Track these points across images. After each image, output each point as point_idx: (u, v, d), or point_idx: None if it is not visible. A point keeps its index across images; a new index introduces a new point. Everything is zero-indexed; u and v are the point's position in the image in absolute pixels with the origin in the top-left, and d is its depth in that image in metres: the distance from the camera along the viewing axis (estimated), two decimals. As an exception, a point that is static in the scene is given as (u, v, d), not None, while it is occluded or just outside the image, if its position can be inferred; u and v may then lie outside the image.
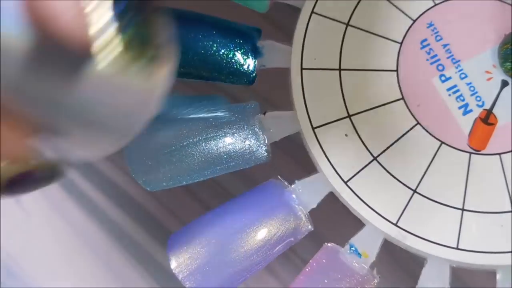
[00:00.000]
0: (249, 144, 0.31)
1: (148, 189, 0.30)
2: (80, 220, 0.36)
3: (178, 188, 0.30)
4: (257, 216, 0.30)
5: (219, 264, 0.29)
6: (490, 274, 0.29)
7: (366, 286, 0.29)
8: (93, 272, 0.35)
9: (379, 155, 0.30)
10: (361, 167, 0.30)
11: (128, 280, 0.34)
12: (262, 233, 0.29)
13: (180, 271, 0.29)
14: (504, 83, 0.30)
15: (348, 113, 0.31)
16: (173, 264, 0.29)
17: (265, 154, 0.31)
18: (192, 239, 0.30)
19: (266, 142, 0.30)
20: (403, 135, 0.30)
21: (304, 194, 0.30)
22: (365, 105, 0.31)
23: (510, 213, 0.29)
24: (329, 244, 0.29)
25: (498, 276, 0.29)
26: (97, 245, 0.35)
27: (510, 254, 0.29)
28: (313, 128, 0.31)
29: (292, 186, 0.30)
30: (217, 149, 0.30)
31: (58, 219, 0.36)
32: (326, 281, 0.29)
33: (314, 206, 0.30)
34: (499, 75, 0.30)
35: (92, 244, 0.35)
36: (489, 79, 0.31)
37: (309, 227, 0.30)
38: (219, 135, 0.30)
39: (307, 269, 0.29)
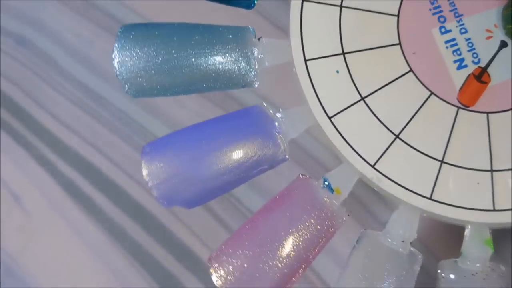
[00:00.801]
0: (238, 66, 0.30)
1: (131, 94, 0.30)
2: (80, 220, 0.36)
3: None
4: (236, 137, 0.29)
5: (191, 178, 0.29)
6: (455, 244, 0.29)
7: (333, 222, 0.28)
8: (93, 272, 0.34)
9: (367, 96, 0.30)
10: (347, 105, 0.30)
11: (128, 280, 0.34)
12: (237, 154, 0.29)
13: (151, 179, 0.28)
14: (503, 44, 0.30)
15: (343, 50, 0.30)
16: (144, 172, 0.28)
17: (254, 79, 0.30)
18: (167, 150, 0.29)
19: (257, 67, 0.30)
20: (394, 80, 0.30)
21: (287, 124, 0.30)
22: (361, 45, 0.30)
23: (488, 172, 0.29)
24: (303, 176, 0.29)
25: (466, 232, 0.29)
26: (97, 245, 0.35)
27: (482, 212, 0.28)
28: (306, 60, 0.30)
29: (276, 114, 0.30)
30: (206, 65, 0.30)
31: (58, 219, 0.36)
32: (294, 210, 0.28)
33: (294, 136, 0.30)
34: (499, 36, 0.30)
35: (92, 244, 0.35)
36: (488, 37, 0.30)
37: (286, 156, 0.29)
38: (210, 52, 0.30)
39: (277, 197, 0.29)
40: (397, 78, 0.30)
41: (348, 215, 0.29)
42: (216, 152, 0.29)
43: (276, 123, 0.29)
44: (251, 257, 0.28)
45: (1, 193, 0.36)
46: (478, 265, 0.28)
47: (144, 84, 0.30)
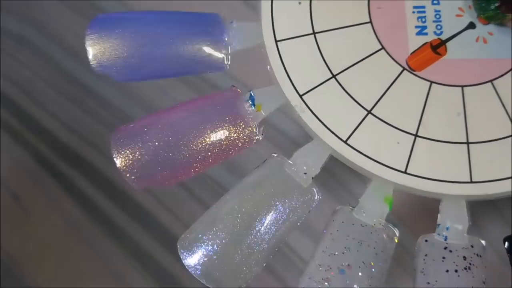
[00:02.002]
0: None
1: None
2: (80, 220, 0.36)
3: (177, 187, 0.30)
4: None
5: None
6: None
7: (245, 136, 0.29)
8: (93, 272, 0.34)
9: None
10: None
11: (128, 280, 0.34)
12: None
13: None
14: (471, 25, 0.30)
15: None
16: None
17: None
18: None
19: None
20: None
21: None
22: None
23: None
24: (234, 87, 0.29)
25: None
26: (97, 245, 0.35)
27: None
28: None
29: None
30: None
31: (58, 219, 0.36)
32: (210, 110, 0.29)
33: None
34: (469, 17, 0.30)
35: (92, 244, 0.35)
36: (458, 15, 0.30)
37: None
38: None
39: (202, 97, 0.29)
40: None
41: (262, 135, 0.29)
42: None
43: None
44: (152, 142, 0.28)
45: (1, 193, 0.36)
46: (374, 220, 0.28)
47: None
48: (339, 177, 0.32)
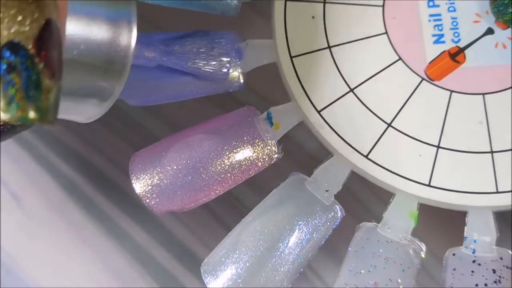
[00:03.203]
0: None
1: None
2: (80, 220, 0.36)
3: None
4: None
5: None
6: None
7: (264, 155, 0.28)
8: (93, 272, 0.34)
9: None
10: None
11: (128, 280, 0.34)
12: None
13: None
14: (489, 31, 0.29)
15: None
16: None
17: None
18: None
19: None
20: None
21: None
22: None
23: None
24: (250, 106, 0.29)
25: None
26: (97, 244, 0.35)
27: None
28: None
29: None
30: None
31: (58, 219, 0.36)
32: (228, 132, 0.28)
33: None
34: (487, 22, 0.30)
35: (92, 244, 0.35)
36: (476, 21, 0.30)
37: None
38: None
39: (219, 117, 0.29)
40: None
41: (282, 153, 0.28)
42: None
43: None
44: (171, 167, 0.28)
45: (1, 193, 0.36)
46: (400, 235, 0.27)
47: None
48: (357, 194, 0.32)
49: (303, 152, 0.31)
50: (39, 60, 0.17)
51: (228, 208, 0.32)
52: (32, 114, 0.17)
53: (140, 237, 0.34)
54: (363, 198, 0.32)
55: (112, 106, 0.30)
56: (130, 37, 0.23)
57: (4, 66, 0.16)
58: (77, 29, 0.21)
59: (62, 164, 0.36)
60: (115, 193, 0.35)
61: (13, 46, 0.17)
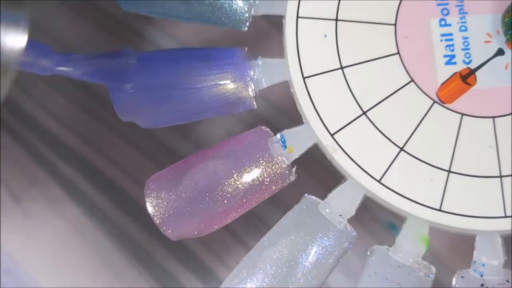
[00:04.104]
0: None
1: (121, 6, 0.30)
2: (80, 220, 0.36)
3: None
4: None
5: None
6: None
7: (278, 178, 0.29)
8: (93, 272, 0.35)
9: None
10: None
11: (128, 280, 0.34)
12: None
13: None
14: (500, 51, 0.30)
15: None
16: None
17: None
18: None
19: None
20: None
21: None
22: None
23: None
24: (263, 127, 0.30)
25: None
26: (97, 245, 0.35)
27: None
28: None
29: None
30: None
31: (58, 219, 0.36)
32: (241, 154, 0.29)
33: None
34: (497, 43, 0.30)
35: (92, 244, 0.35)
36: (487, 42, 0.30)
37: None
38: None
39: (230, 140, 0.29)
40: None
41: (295, 175, 0.29)
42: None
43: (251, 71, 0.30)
44: (186, 193, 0.28)
45: (1, 193, 0.36)
46: (410, 260, 0.28)
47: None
48: (371, 211, 0.33)
49: (321, 167, 0.32)
50: None
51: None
52: None
53: (140, 237, 0.34)
54: (377, 214, 0.32)
55: (111, 105, 0.30)
56: (17, 40, 0.23)
57: None
58: None
59: (62, 164, 0.36)
60: (115, 193, 0.35)
61: None
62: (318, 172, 0.32)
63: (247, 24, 0.30)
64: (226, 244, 0.30)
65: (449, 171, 0.29)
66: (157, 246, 0.34)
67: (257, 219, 0.30)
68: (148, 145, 0.35)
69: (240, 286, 0.28)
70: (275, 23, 0.31)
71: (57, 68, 0.28)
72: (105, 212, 0.35)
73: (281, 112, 0.32)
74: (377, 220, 0.33)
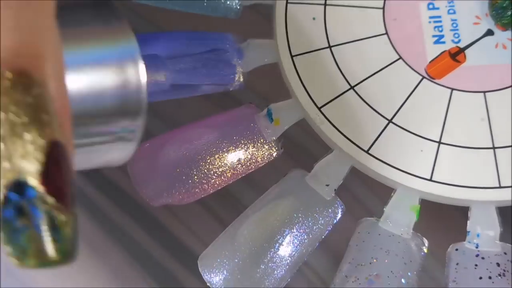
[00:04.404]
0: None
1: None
2: (80, 220, 0.35)
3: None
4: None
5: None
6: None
7: (264, 151, 0.28)
8: (93, 272, 0.34)
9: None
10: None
11: (128, 280, 0.34)
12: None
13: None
14: (489, 32, 0.30)
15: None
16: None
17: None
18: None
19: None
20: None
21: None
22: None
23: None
24: (250, 104, 0.29)
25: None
26: (97, 245, 0.35)
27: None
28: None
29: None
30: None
31: None
32: (229, 127, 0.28)
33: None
34: (487, 24, 0.30)
35: (92, 244, 0.35)
36: (476, 23, 0.30)
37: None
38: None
39: (220, 114, 0.29)
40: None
41: (282, 149, 0.28)
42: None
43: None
44: (169, 158, 0.28)
45: (1, 193, 0.35)
46: (401, 230, 0.27)
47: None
48: (357, 194, 0.32)
49: (303, 152, 0.31)
50: (48, 194, 0.15)
51: (230, 208, 0.31)
52: (53, 258, 0.15)
53: (140, 236, 0.33)
54: (364, 199, 0.31)
55: None
56: (138, 75, 0.20)
57: (11, 212, 0.15)
58: (79, 84, 0.19)
59: None
60: (115, 193, 0.35)
61: (18, 185, 0.15)
62: (303, 153, 0.32)
63: (238, 12, 0.31)
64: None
65: (439, 142, 0.28)
66: (157, 246, 0.33)
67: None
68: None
69: (221, 252, 0.27)
70: (265, 15, 0.32)
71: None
72: (105, 212, 0.35)
73: (270, 95, 0.32)
74: (366, 208, 0.32)
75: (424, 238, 0.27)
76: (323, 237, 0.27)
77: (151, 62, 0.27)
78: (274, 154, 0.28)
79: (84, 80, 0.19)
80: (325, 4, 0.31)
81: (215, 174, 0.28)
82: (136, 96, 0.20)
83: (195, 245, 0.32)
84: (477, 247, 0.26)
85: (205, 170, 0.27)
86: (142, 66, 0.20)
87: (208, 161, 0.28)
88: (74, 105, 0.18)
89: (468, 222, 0.27)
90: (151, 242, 0.33)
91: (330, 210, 0.27)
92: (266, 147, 0.28)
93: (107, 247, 0.33)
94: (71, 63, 0.18)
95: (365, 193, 0.31)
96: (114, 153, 0.21)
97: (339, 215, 0.27)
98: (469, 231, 0.27)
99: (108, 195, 0.35)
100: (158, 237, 0.33)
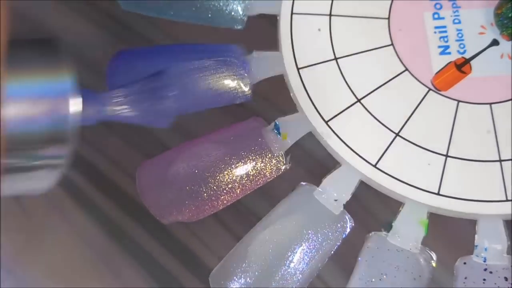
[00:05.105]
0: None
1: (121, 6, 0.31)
2: (80, 220, 0.35)
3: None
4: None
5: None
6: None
7: (272, 165, 0.28)
8: (93, 272, 0.34)
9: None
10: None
11: (128, 280, 0.34)
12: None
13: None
14: (495, 42, 0.30)
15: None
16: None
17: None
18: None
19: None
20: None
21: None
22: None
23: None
24: (257, 117, 0.29)
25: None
26: (97, 245, 0.35)
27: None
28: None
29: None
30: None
31: (58, 219, 0.36)
32: (236, 142, 0.29)
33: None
34: (492, 34, 0.30)
35: (92, 244, 0.35)
36: (481, 33, 0.30)
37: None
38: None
39: (226, 128, 0.29)
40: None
41: (290, 163, 0.28)
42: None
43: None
44: (178, 176, 0.28)
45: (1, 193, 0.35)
46: (410, 244, 0.27)
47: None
48: (366, 204, 0.32)
49: (312, 159, 0.31)
50: None
51: (229, 208, 0.32)
52: None
53: (140, 237, 0.33)
54: (372, 208, 0.31)
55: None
56: (67, 108, 0.23)
57: None
58: (15, 111, 0.22)
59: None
60: (115, 193, 0.35)
61: None
62: (311, 163, 0.32)
63: (243, 23, 0.31)
64: (226, 244, 0.29)
65: (446, 156, 0.28)
66: (157, 246, 0.34)
67: (258, 219, 0.30)
68: (148, 145, 0.34)
69: (232, 269, 0.27)
70: (270, 21, 0.32)
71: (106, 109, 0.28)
72: (105, 212, 0.35)
73: (276, 107, 0.32)
74: (374, 217, 0.32)
75: (432, 252, 0.27)
76: (332, 252, 0.27)
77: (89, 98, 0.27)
78: (282, 168, 0.28)
79: (20, 108, 0.22)
80: (330, 15, 0.31)
81: (224, 191, 0.28)
82: (63, 126, 0.23)
83: (196, 245, 0.32)
84: (485, 261, 0.27)
85: (215, 187, 0.28)
86: (72, 101, 0.23)
87: (218, 178, 0.28)
88: (9, 129, 0.21)
89: (476, 236, 0.27)
90: (152, 242, 0.33)
91: (339, 225, 0.27)
92: (274, 161, 0.28)
93: (107, 247, 0.34)
94: (11, 93, 0.22)
95: (376, 204, 0.31)
96: (41, 179, 0.25)
97: (348, 230, 0.27)
98: (476, 245, 0.27)
99: (108, 195, 0.35)
100: (159, 237, 0.34)
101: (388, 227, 0.28)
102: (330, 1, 0.31)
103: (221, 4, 0.31)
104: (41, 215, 0.35)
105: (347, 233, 0.28)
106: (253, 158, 0.28)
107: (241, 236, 0.29)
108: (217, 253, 0.31)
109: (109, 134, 0.35)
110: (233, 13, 0.31)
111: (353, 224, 0.28)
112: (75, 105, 0.24)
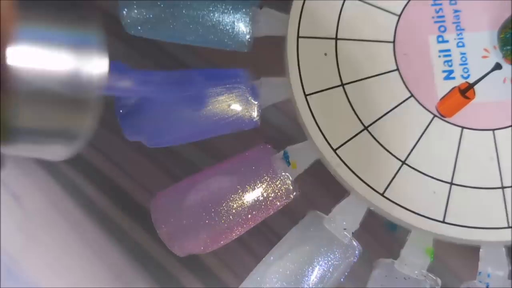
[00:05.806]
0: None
1: (127, 30, 0.30)
2: (80, 220, 0.36)
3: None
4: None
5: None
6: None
7: (282, 194, 0.29)
8: (93, 272, 0.35)
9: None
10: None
11: (128, 280, 0.34)
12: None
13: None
14: (497, 66, 0.30)
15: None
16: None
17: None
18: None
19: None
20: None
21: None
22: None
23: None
24: (265, 144, 0.30)
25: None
26: (97, 244, 0.35)
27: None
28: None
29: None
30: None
31: (58, 219, 0.36)
32: (246, 171, 0.29)
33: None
34: (495, 57, 0.30)
35: (92, 244, 0.35)
36: (484, 57, 0.30)
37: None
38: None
39: (236, 157, 0.30)
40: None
41: (299, 191, 0.29)
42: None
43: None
44: (192, 209, 0.29)
45: (1, 193, 0.36)
46: (416, 272, 0.28)
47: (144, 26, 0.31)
48: (371, 230, 0.33)
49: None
50: None
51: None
52: None
53: (140, 237, 0.34)
54: (378, 234, 0.32)
55: (113, 108, 0.31)
56: (97, 66, 0.19)
57: None
58: (30, 58, 0.18)
59: (63, 164, 0.37)
60: (115, 193, 0.35)
61: None
62: (323, 186, 0.33)
63: (250, 45, 0.31)
64: (226, 244, 0.30)
65: (451, 183, 0.29)
66: (157, 246, 0.34)
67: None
68: (149, 147, 0.35)
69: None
70: (275, 42, 0.32)
71: (137, 88, 0.25)
72: (105, 212, 0.35)
73: (283, 131, 0.33)
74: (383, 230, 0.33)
75: (437, 278, 0.28)
76: (342, 279, 0.28)
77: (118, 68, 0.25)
78: (292, 196, 0.29)
79: (35, 55, 0.18)
80: (336, 38, 0.31)
81: (238, 223, 0.29)
82: (87, 89, 0.19)
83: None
84: (487, 287, 0.28)
85: (227, 219, 0.28)
86: (103, 59, 0.20)
87: (230, 209, 0.28)
88: (20, 77, 0.18)
89: (479, 262, 0.28)
90: (152, 242, 0.34)
91: (348, 253, 0.29)
92: (283, 189, 0.29)
93: (107, 247, 0.34)
94: (25, 36, 0.18)
95: (380, 230, 0.32)
96: (49, 149, 0.21)
97: (357, 257, 0.29)
98: (480, 272, 0.28)
99: (108, 195, 0.35)
100: (158, 237, 0.34)
101: (393, 226, 0.29)
102: (336, 24, 0.31)
103: (227, 28, 0.31)
104: (41, 215, 0.35)
105: (355, 260, 0.29)
106: (264, 187, 0.29)
107: (241, 236, 0.30)
108: (217, 253, 0.32)
109: (110, 135, 0.36)
110: (239, 37, 0.31)
111: (361, 251, 0.29)
112: (102, 66, 0.19)
